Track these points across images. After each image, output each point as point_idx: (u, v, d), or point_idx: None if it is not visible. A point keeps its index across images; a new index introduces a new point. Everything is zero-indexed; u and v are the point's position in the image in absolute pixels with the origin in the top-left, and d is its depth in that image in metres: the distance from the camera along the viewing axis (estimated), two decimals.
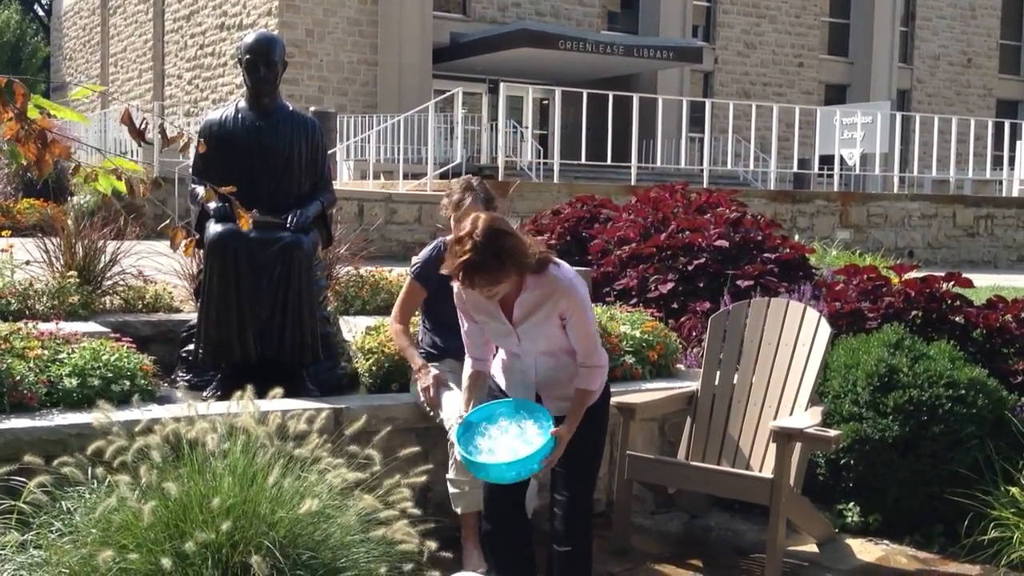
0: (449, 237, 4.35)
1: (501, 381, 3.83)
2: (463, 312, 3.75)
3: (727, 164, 19.96)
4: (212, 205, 4.75)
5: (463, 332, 3.84)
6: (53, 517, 3.10)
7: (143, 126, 2.79)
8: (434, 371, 4.44)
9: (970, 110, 31.75)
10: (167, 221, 3.04)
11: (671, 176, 16.83)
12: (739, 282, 6.51)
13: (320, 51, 23.33)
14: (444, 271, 3.51)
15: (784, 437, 4.42)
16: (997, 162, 23.04)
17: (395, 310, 4.71)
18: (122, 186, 2.83)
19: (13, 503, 3.16)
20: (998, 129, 21.64)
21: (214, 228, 4.73)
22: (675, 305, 6.64)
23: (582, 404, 3.65)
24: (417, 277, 4.61)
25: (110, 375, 4.31)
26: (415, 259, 4.75)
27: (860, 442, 4.96)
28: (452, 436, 3.87)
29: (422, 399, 4.44)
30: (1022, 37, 35.60)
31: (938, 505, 4.88)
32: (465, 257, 3.36)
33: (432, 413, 4.43)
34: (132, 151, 16.49)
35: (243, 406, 3.31)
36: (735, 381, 5.03)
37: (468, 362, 3.88)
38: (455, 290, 3.67)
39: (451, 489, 4.27)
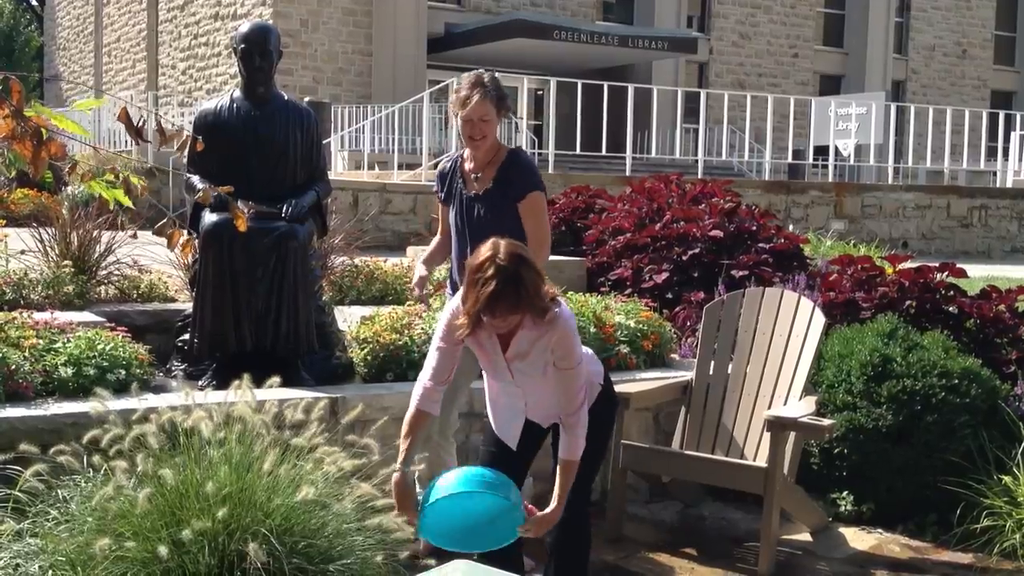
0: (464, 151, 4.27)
1: (490, 414, 3.70)
2: (447, 328, 3.39)
3: (722, 155, 19.96)
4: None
5: (435, 351, 3.41)
6: (49, 505, 3.11)
7: (140, 124, 2.75)
8: (420, 272, 4.30)
9: (964, 101, 31.70)
10: (164, 220, 2.99)
11: (666, 166, 16.86)
12: (733, 272, 6.53)
13: (314, 41, 23.24)
14: (464, 307, 3.21)
15: (778, 426, 4.44)
16: (991, 153, 23.04)
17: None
18: (122, 196, 2.80)
19: (9, 492, 3.16)
20: (992, 120, 21.68)
21: (209, 218, 4.72)
22: (670, 295, 6.66)
23: (570, 476, 3.34)
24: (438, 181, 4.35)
25: (105, 364, 4.32)
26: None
27: (854, 431, 4.98)
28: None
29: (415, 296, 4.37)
30: (1017, 28, 35.58)
31: (931, 494, 4.90)
32: (490, 287, 3.09)
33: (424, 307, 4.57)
34: (126, 142, 16.44)
35: (240, 395, 3.31)
36: (729, 371, 5.04)
37: (414, 396, 3.40)
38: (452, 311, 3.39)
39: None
